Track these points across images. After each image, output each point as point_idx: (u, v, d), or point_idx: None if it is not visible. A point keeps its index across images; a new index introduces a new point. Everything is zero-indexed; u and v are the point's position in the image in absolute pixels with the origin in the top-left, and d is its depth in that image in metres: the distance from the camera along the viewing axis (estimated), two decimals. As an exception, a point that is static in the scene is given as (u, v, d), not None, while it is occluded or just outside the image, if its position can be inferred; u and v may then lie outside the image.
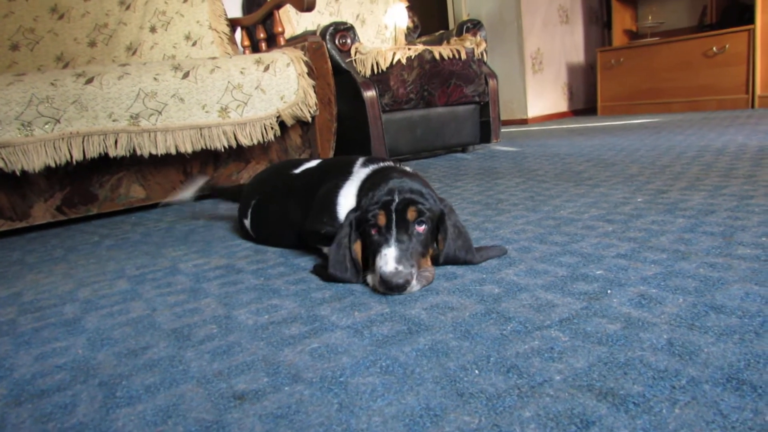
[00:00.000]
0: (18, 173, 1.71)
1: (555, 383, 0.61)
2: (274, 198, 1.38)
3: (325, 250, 1.18)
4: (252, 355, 0.75)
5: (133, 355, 0.79)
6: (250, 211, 1.44)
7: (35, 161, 1.71)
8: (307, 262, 1.20)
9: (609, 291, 0.85)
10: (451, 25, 5.29)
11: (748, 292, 0.79)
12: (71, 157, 1.77)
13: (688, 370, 0.61)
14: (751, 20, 3.97)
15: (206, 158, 2.19)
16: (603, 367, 0.63)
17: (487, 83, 3.07)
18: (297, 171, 1.41)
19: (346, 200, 1.13)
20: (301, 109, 2.25)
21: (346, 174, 1.19)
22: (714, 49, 4.14)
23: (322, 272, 1.06)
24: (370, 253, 1.01)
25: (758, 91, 3.96)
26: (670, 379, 0.59)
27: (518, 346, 0.70)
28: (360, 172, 1.17)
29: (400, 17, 3.56)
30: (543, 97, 5.10)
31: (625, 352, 0.66)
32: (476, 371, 0.65)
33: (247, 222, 1.46)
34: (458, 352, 0.70)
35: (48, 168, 1.78)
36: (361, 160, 1.24)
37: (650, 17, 4.96)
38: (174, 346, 0.81)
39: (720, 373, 0.60)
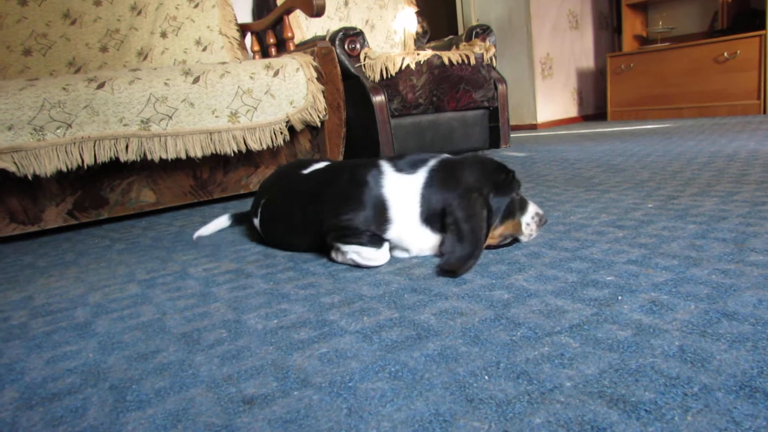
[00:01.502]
0: (30, 177, 1.72)
1: (565, 389, 0.60)
2: (285, 197, 1.38)
3: (347, 248, 1.16)
4: (261, 359, 0.75)
5: (143, 359, 0.79)
6: (260, 210, 1.45)
7: (47, 166, 1.72)
8: (316, 266, 1.20)
9: (620, 297, 0.85)
10: (461, 30, 5.29)
11: (761, 299, 0.79)
12: (83, 161, 1.79)
13: (700, 378, 0.60)
14: (762, 26, 3.94)
15: (216, 163, 2.20)
16: (614, 373, 0.63)
17: (496, 88, 3.06)
18: (311, 170, 1.41)
19: (399, 194, 1.16)
20: (311, 114, 2.26)
21: (380, 175, 1.19)
22: (725, 54, 4.12)
23: (459, 264, 1.05)
24: (507, 214, 1.19)
25: (770, 97, 3.93)
26: (682, 386, 0.59)
27: (528, 352, 0.70)
28: (411, 173, 1.19)
29: (409, 22, 3.57)
30: (553, 102, 5.09)
31: (637, 359, 0.65)
32: (486, 377, 0.65)
33: (256, 221, 1.47)
34: (468, 358, 0.70)
35: (59, 172, 1.80)
36: (388, 162, 1.22)
37: (660, 23, 4.94)
38: (184, 350, 0.81)
39: (733, 381, 0.59)
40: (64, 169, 1.76)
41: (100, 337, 0.90)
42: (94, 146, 1.81)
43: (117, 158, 1.86)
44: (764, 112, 3.99)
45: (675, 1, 4.90)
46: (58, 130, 1.73)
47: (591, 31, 5.38)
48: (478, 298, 0.91)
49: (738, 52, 4.05)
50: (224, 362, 0.76)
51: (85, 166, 1.82)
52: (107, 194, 1.99)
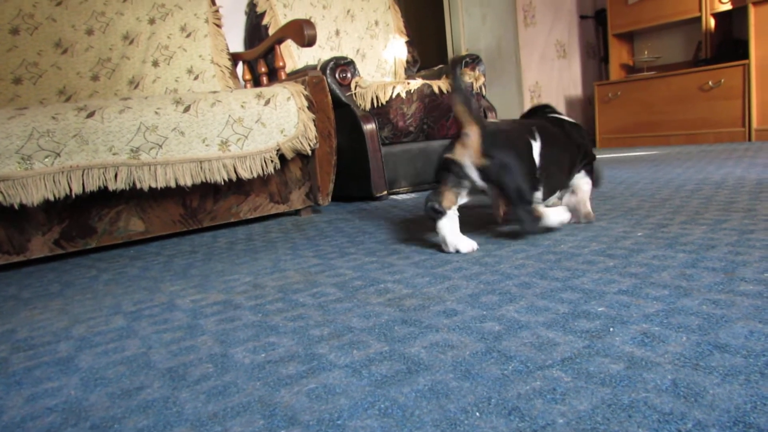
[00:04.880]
0: (16, 207, 1.71)
1: (558, 426, 0.59)
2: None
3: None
4: (248, 396, 0.74)
5: (127, 396, 0.77)
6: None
7: (34, 195, 1.71)
8: (306, 297, 1.19)
9: (611, 329, 0.84)
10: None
11: (752, 330, 0.78)
12: (71, 190, 1.78)
13: (693, 413, 0.59)
14: (745, 55, 4.02)
15: (206, 191, 2.19)
16: (606, 409, 0.62)
17: (486, 116, 3.09)
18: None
19: None
20: (301, 143, 2.26)
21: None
22: (710, 83, 4.19)
23: None
24: None
25: (755, 125, 3.99)
26: (676, 422, 0.58)
27: (520, 386, 0.69)
28: None
29: (399, 52, 3.61)
30: (541, 129, 5.14)
31: (629, 394, 0.64)
32: (477, 413, 0.64)
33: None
34: (458, 394, 0.69)
35: (47, 201, 1.78)
36: None
37: (646, 52, 5.03)
38: (168, 386, 0.79)
39: (727, 416, 0.58)
40: (52, 198, 1.74)
41: (82, 372, 0.88)
42: (82, 175, 1.79)
43: (106, 187, 1.85)
44: (749, 140, 4.05)
45: (660, 31, 5.00)
46: (47, 159, 1.72)
47: (578, 60, 5.46)
48: (469, 330, 0.90)
49: (722, 80, 4.12)
50: (210, 399, 0.74)
51: (73, 195, 1.80)
52: (95, 223, 1.97)
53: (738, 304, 0.89)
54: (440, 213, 1.39)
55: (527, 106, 4.95)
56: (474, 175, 1.35)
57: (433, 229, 1.48)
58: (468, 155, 1.33)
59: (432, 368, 0.77)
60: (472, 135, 1.33)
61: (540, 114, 1.68)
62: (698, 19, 4.45)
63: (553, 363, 0.74)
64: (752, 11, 3.91)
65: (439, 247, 1.50)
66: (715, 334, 0.79)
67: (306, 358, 0.85)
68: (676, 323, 0.84)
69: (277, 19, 3.13)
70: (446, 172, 1.38)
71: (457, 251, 1.42)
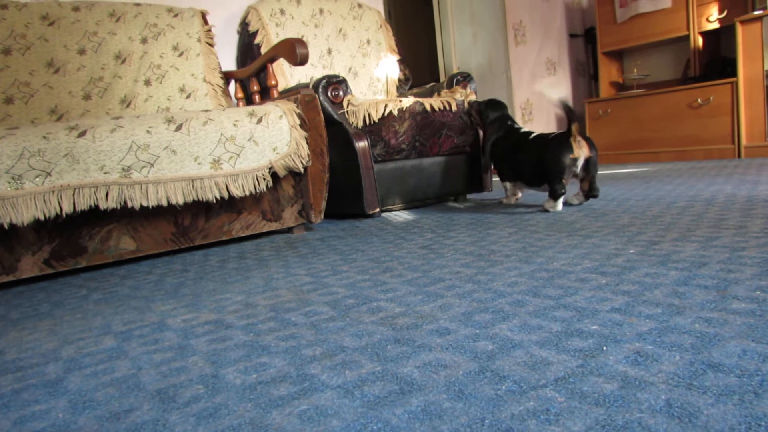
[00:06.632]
0: (6, 226, 1.69)
1: (552, 448, 0.59)
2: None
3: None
4: (239, 418, 0.73)
5: (116, 419, 0.76)
6: None
7: (24, 214, 1.70)
8: (298, 317, 1.18)
9: (604, 347, 0.84)
10: (442, 78, 5.40)
11: (745, 349, 0.78)
12: (61, 210, 1.77)
13: (688, 434, 0.59)
14: (733, 73, 4.08)
15: (198, 209, 2.18)
16: (601, 430, 0.61)
17: (477, 134, 3.11)
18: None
19: None
20: (294, 161, 2.26)
21: None
22: (699, 100, 4.24)
23: None
24: None
25: (744, 142, 4.04)
26: (671, 443, 0.58)
27: (513, 407, 0.68)
28: None
29: (391, 70, 3.63)
30: (533, 146, 5.17)
31: (623, 414, 0.64)
32: (471, 435, 0.63)
33: None
34: (452, 414, 0.68)
35: (37, 221, 1.77)
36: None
37: (636, 70, 5.10)
38: (158, 408, 0.78)
39: (721, 437, 0.58)
40: (42, 217, 1.73)
41: (71, 394, 0.86)
42: (73, 194, 1.78)
43: (96, 206, 1.84)
44: (739, 156, 4.09)
45: (649, 50, 5.07)
46: (37, 179, 1.72)
47: (569, 78, 5.52)
48: (462, 349, 0.89)
49: (711, 98, 4.17)
50: (200, 421, 0.73)
51: (64, 215, 1.79)
52: (86, 242, 1.95)
53: (731, 322, 0.89)
54: (564, 192, 2.27)
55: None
56: (581, 164, 2.24)
57: (422, 235, 1.48)
58: (582, 152, 2.23)
59: (425, 388, 0.76)
60: (583, 141, 2.25)
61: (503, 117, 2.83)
62: (686, 38, 4.52)
63: (547, 383, 0.74)
64: (740, 30, 3.97)
65: (431, 264, 1.50)
66: (708, 353, 0.78)
67: (298, 378, 0.84)
68: (670, 342, 0.84)
69: (269, 37, 3.15)
70: (565, 167, 2.22)
71: (557, 210, 2.31)
